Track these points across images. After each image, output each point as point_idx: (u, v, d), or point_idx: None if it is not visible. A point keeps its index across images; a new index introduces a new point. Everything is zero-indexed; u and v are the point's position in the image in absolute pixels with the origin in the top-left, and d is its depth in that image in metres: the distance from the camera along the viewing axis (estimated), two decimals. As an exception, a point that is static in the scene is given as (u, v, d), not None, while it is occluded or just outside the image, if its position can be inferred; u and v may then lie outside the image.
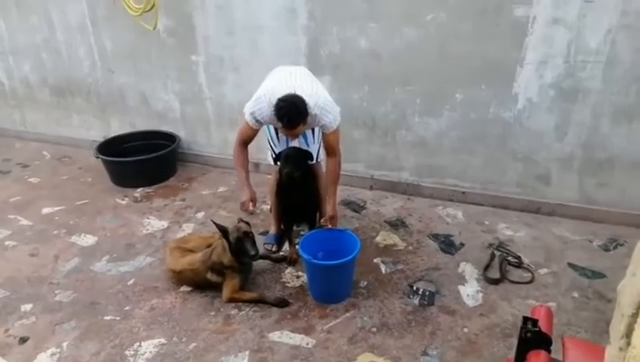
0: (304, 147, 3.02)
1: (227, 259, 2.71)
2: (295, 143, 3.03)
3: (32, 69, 5.04)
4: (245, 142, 2.81)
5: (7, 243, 3.41)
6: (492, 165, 3.54)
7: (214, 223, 2.74)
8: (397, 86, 3.54)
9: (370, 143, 3.82)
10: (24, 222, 3.70)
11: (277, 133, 3.01)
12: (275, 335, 2.48)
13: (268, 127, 3.00)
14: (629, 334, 0.89)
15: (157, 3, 3.83)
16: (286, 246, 3.20)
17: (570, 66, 3.06)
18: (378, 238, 3.29)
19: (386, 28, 3.39)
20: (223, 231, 2.69)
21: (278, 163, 2.95)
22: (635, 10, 2.80)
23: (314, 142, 3.06)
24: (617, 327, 0.96)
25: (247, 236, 2.69)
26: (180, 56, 4.21)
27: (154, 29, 3.97)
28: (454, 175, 3.69)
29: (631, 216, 3.24)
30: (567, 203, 3.42)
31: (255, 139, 2.84)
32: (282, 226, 3.20)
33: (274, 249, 3.18)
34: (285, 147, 2.99)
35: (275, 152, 3.04)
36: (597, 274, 2.83)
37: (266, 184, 3.24)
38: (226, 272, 2.73)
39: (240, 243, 2.66)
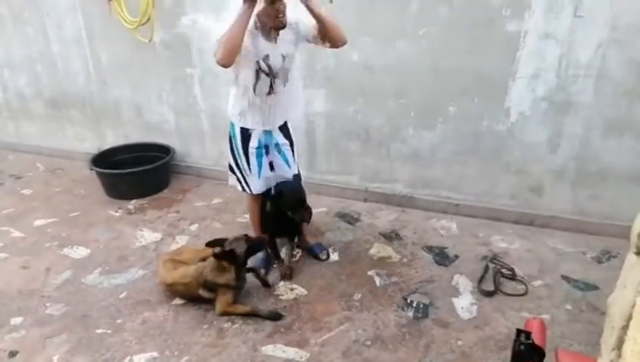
0: (285, 168, 2.92)
1: (224, 278, 2.69)
2: (278, 163, 2.91)
3: (27, 81, 5.03)
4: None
5: (-2, 255, 3.39)
6: (486, 177, 3.56)
7: (218, 256, 2.68)
8: (391, 99, 3.57)
9: (365, 155, 3.84)
10: (16, 234, 3.67)
11: (247, 160, 2.83)
12: (268, 349, 2.46)
13: (237, 151, 2.84)
14: (619, 346, 0.90)
15: (152, 16, 3.86)
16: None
17: (561, 80, 3.10)
18: (372, 251, 3.28)
19: (379, 42, 3.42)
20: (230, 253, 2.68)
21: (250, 191, 2.93)
22: (624, 24, 2.85)
23: (294, 161, 2.97)
24: (608, 340, 0.97)
25: (249, 240, 2.77)
26: (175, 69, 4.22)
27: (149, 41, 4.00)
28: (448, 187, 3.70)
29: (623, 228, 3.22)
30: (560, 215, 3.43)
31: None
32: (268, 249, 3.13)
33: (263, 272, 3.06)
34: (258, 175, 2.87)
35: (246, 182, 2.92)
36: (590, 287, 2.84)
37: (245, 201, 3.14)
38: (219, 288, 2.72)
39: (251, 249, 2.76)
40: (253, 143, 2.80)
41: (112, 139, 4.86)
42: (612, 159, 3.18)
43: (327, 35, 2.55)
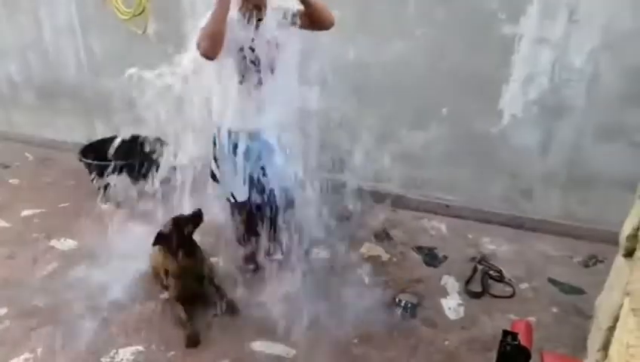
0: (272, 171, 2.69)
1: (167, 266, 2.65)
2: (263, 167, 2.69)
3: (18, 69, 4.97)
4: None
5: (-17, 245, 3.34)
6: (477, 179, 3.58)
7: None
8: (385, 98, 3.57)
9: (358, 154, 3.83)
10: (2, 223, 3.63)
11: (234, 164, 2.64)
12: (256, 345, 2.46)
13: (221, 155, 2.69)
14: (605, 347, 0.90)
15: (147, 7, 3.82)
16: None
17: (554, 84, 3.12)
18: (362, 249, 3.29)
19: (375, 41, 3.42)
20: (158, 236, 2.59)
21: (233, 199, 2.74)
22: (619, 30, 2.86)
23: (283, 163, 2.70)
24: (595, 340, 0.97)
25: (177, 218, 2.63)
26: (169, 62, 4.17)
27: (143, 33, 3.95)
28: (440, 188, 3.71)
29: (610, 234, 3.25)
30: (549, 219, 3.46)
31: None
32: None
33: (253, 268, 3.02)
34: (243, 180, 2.65)
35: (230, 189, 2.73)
36: (576, 290, 2.86)
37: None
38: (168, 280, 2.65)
39: (190, 224, 2.65)
40: (240, 148, 2.60)
41: (104, 130, 4.79)
42: (602, 164, 3.20)
43: (313, 16, 2.38)
